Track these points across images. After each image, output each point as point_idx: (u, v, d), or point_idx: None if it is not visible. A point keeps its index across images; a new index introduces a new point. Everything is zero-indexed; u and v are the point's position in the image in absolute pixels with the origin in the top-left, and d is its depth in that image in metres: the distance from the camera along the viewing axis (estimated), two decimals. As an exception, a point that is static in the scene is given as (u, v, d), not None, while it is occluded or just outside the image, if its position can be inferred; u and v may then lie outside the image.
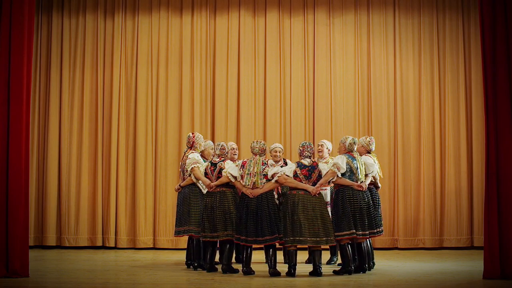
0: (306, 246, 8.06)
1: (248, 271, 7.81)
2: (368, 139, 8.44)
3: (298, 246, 7.74)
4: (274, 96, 11.06)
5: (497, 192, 7.50)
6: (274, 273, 7.74)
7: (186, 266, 8.54)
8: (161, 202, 10.89)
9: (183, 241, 10.60)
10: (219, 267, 8.13)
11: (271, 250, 7.81)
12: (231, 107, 11.05)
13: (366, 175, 8.01)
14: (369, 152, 8.41)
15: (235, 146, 8.87)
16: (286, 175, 7.73)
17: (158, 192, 10.91)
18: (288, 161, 8.37)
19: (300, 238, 7.61)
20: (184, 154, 8.66)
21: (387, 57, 11.09)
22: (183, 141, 10.91)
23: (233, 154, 8.75)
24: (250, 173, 7.83)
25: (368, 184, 8.11)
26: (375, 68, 11.08)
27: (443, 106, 11.00)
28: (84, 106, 11.05)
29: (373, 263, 8.34)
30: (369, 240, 8.18)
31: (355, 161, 7.90)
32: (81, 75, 11.09)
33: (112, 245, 10.82)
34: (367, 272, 8.01)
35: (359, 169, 7.89)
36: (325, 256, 9.02)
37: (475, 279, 7.57)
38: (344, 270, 7.83)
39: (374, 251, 8.64)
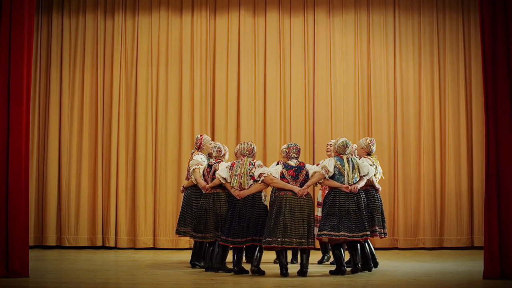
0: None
1: (240, 270, 7.83)
2: (368, 140, 8.42)
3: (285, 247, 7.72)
4: (274, 96, 11.06)
5: (497, 192, 7.50)
6: (256, 271, 7.75)
7: (191, 266, 8.52)
8: (161, 202, 10.89)
9: (183, 241, 10.62)
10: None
11: (257, 249, 7.81)
12: (231, 107, 11.05)
13: (361, 177, 7.95)
14: (369, 153, 8.40)
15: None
16: (273, 175, 7.75)
17: (158, 192, 10.91)
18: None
19: (285, 239, 7.58)
20: (191, 155, 8.70)
21: (387, 57, 11.09)
22: (183, 141, 10.92)
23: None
24: (238, 174, 7.86)
25: (366, 186, 8.09)
26: (375, 68, 11.08)
27: (443, 106, 11.00)
28: (84, 106, 11.04)
29: (377, 263, 8.35)
30: (368, 241, 8.19)
31: (343, 164, 7.85)
32: (81, 75, 11.09)
33: (112, 245, 10.82)
34: (366, 272, 8.02)
35: (347, 172, 7.82)
36: (315, 256, 9.06)
37: (475, 279, 7.57)
38: (338, 270, 7.84)
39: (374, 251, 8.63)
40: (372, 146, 8.40)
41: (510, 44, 7.59)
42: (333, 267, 8.03)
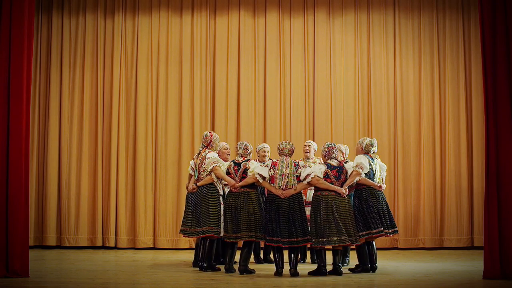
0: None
1: (280, 273, 7.76)
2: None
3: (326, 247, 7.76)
4: (274, 96, 11.06)
5: (497, 192, 7.51)
6: (295, 273, 7.73)
7: (193, 266, 8.47)
8: (161, 202, 10.89)
9: (184, 241, 10.62)
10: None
11: (294, 250, 7.79)
12: (231, 107, 11.05)
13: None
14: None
15: (228, 146, 8.81)
16: (318, 176, 7.76)
17: (158, 192, 10.91)
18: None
19: (340, 238, 7.63)
20: (200, 153, 8.39)
21: (387, 57, 11.09)
22: (183, 141, 10.92)
23: (226, 154, 8.68)
24: (283, 174, 7.81)
25: None
26: (375, 68, 11.08)
27: (443, 106, 11.00)
28: (84, 106, 11.05)
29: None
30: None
31: (374, 162, 8.04)
32: (81, 75, 11.09)
33: (112, 245, 10.82)
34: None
35: (375, 169, 8.02)
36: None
37: (475, 279, 7.57)
38: (362, 268, 7.96)
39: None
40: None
41: (510, 44, 7.59)
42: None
